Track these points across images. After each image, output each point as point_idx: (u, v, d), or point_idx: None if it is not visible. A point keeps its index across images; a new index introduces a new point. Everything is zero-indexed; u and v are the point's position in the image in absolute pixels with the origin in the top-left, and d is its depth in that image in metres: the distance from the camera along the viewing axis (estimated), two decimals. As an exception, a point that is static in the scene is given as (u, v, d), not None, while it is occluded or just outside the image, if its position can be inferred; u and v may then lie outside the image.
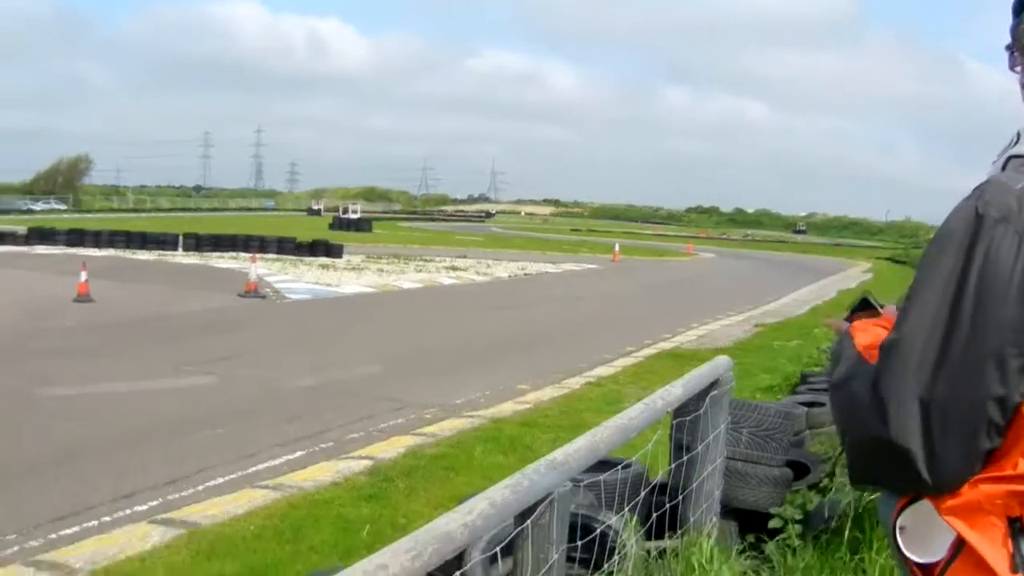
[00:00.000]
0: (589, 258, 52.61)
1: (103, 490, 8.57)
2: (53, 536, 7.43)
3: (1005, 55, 1.91)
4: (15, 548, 7.16)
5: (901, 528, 1.78)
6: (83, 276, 23.10)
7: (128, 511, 8.09)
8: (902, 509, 1.78)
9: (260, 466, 9.59)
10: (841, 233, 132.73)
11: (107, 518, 7.90)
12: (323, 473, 9.26)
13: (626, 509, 4.78)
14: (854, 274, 52.84)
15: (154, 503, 8.33)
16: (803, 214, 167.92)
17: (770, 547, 5.61)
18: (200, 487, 8.83)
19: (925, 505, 1.74)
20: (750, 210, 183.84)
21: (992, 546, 1.66)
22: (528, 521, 3.29)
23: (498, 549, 3.31)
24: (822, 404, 9.03)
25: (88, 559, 6.87)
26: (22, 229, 49.21)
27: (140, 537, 7.36)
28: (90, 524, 7.74)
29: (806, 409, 8.65)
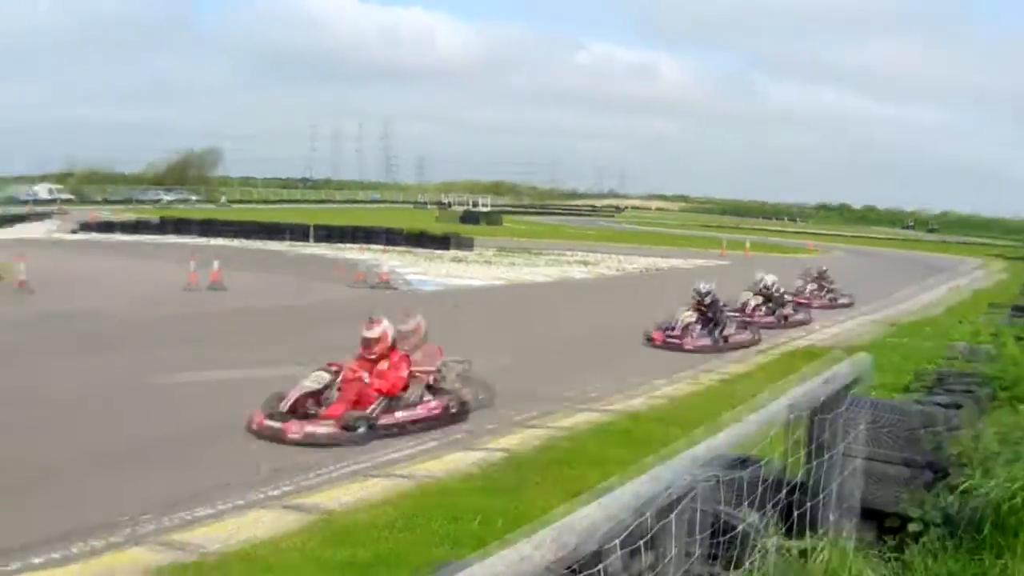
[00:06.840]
0: (717, 254, 51.91)
1: (233, 474, 8.76)
2: (187, 516, 7.62)
3: None
4: (151, 527, 7.34)
5: None
6: (215, 265, 24.81)
7: (262, 495, 8.23)
8: None
9: (394, 454, 9.73)
10: (976, 232, 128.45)
11: (240, 501, 8.04)
12: (458, 464, 9.31)
13: (768, 507, 4.72)
14: (980, 276, 50.52)
15: (288, 488, 8.46)
16: (936, 212, 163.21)
17: (911, 551, 5.48)
18: (335, 474, 8.96)
19: None
20: (881, 208, 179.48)
21: None
22: (672, 515, 3.28)
23: (641, 543, 3.28)
24: (959, 406, 8.81)
25: (220, 540, 7.01)
26: (155, 219, 50.90)
27: (274, 521, 7.48)
28: (225, 507, 7.90)
29: (944, 410, 8.45)
